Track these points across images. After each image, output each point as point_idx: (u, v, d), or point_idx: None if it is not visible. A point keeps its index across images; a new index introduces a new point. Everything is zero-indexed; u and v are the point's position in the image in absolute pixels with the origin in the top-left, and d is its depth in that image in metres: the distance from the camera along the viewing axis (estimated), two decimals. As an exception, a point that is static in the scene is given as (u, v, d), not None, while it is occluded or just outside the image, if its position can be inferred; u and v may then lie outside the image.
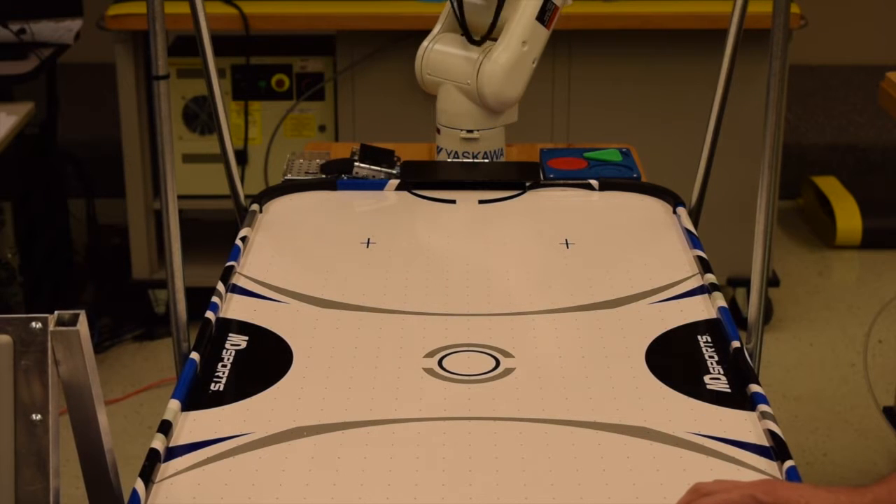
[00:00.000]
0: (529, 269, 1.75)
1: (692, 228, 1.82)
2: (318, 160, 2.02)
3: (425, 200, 1.92)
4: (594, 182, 1.96)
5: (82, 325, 1.12)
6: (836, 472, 2.96)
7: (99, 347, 3.46)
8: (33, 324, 1.11)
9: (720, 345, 1.53)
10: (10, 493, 1.10)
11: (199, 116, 3.48)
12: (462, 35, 1.97)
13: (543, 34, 1.99)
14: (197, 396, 1.42)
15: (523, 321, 1.59)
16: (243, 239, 1.78)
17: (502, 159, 2.06)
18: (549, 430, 1.35)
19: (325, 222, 1.87)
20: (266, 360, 1.50)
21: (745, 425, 1.37)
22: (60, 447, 1.12)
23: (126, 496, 1.23)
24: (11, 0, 3.36)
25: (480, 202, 1.92)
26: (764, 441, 1.34)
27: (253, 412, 1.39)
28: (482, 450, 1.32)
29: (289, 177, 1.98)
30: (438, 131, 2.06)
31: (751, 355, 1.51)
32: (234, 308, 1.61)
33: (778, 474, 1.29)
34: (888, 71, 2.71)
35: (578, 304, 1.62)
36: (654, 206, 1.92)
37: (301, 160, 2.03)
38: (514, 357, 1.49)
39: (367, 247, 1.78)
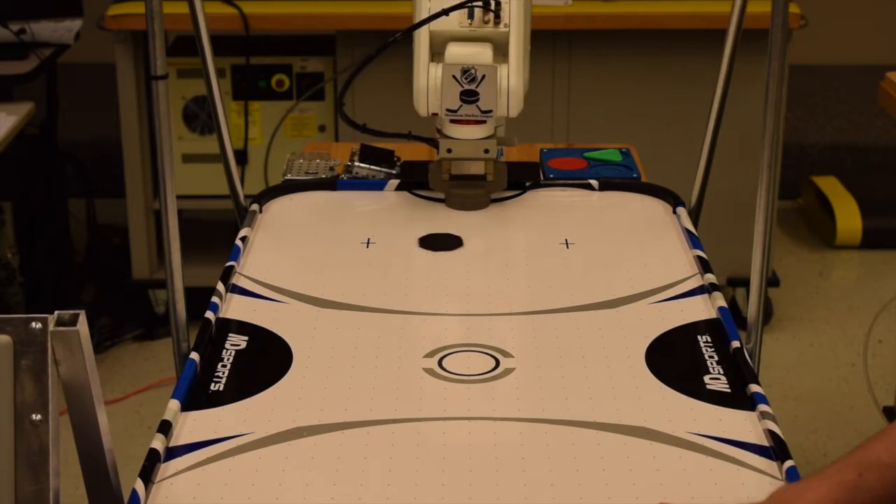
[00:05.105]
0: (529, 269, 1.75)
1: (692, 228, 1.82)
2: (318, 160, 2.02)
3: (425, 200, 1.92)
4: (594, 182, 1.96)
5: (82, 325, 1.12)
6: (836, 472, 2.95)
7: (99, 347, 3.46)
8: (33, 324, 1.11)
9: (720, 345, 1.53)
10: (10, 494, 1.10)
11: (199, 116, 3.48)
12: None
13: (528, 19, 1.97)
14: (197, 396, 1.42)
15: (523, 321, 1.59)
16: (243, 239, 1.78)
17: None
18: (549, 430, 1.35)
19: (325, 222, 1.87)
20: (266, 360, 1.50)
21: (745, 425, 1.37)
22: (60, 447, 1.12)
23: (126, 496, 1.23)
24: (11, 0, 3.36)
25: (480, 202, 1.92)
26: (764, 441, 1.34)
27: (253, 412, 1.39)
28: (482, 450, 1.32)
29: (289, 177, 1.98)
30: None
31: (751, 355, 1.52)
32: (234, 308, 1.61)
33: (778, 474, 1.29)
34: (888, 71, 2.71)
35: (578, 304, 1.62)
36: (654, 206, 1.92)
37: (301, 160, 2.03)
38: (514, 357, 1.49)
39: (367, 247, 1.78)
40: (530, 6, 1.94)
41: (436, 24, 1.83)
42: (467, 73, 1.80)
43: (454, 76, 1.80)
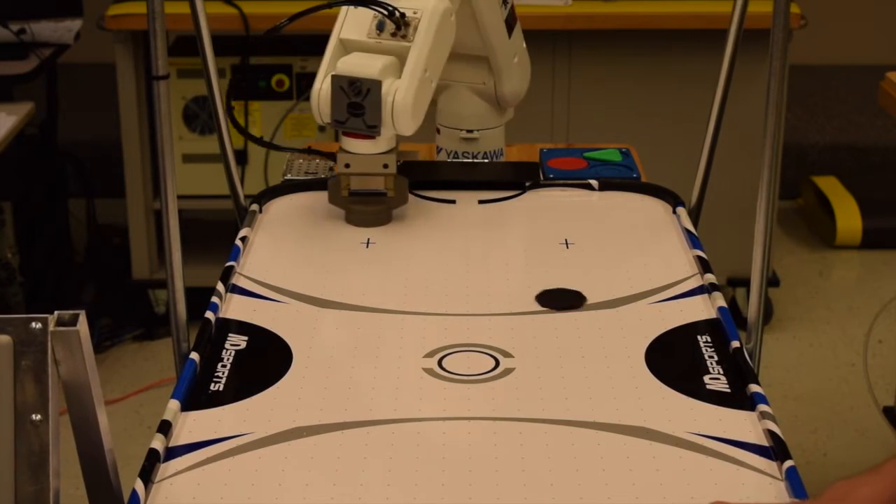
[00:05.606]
0: (529, 270, 1.75)
1: (692, 228, 1.82)
2: (318, 160, 2.02)
3: (425, 200, 1.92)
4: (594, 182, 1.96)
5: (82, 326, 1.12)
6: (836, 472, 2.96)
7: (99, 347, 3.47)
8: (33, 324, 1.11)
9: (720, 345, 1.53)
10: (10, 494, 1.10)
11: (200, 116, 3.49)
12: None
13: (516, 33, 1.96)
14: (197, 396, 1.42)
15: (523, 321, 1.59)
16: (243, 239, 1.78)
17: (502, 159, 2.06)
18: (549, 430, 1.35)
19: (325, 222, 1.87)
20: (266, 360, 1.50)
21: (744, 425, 1.37)
22: (60, 447, 1.12)
23: (126, 496, 1.23)
24: (11, 0, 3.36)
25: (480, 202, 1.92)
26: (764, 441, 1.34)
27: (253, 412, 1.39)
28: (482, 450, 1.33)
29: (289, 177, 1.98)
30: (438, 131, 2.06)
31: (751, 355, 1.52)
32: (234, 308, 1.61)
33: (778, 474, 1.29)
34: (888, 71, 2.72)
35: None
36: (654, 206, 1.92)
37: (301, 160, 2.03)
38: (513, 357, 1.49)
39: (367, 247, 1.78)
40: (489, 18, 1.89)
41: (346, 33, 1.80)
42: (354, 85, 1.75)
43: (342, 87, 1.75)
